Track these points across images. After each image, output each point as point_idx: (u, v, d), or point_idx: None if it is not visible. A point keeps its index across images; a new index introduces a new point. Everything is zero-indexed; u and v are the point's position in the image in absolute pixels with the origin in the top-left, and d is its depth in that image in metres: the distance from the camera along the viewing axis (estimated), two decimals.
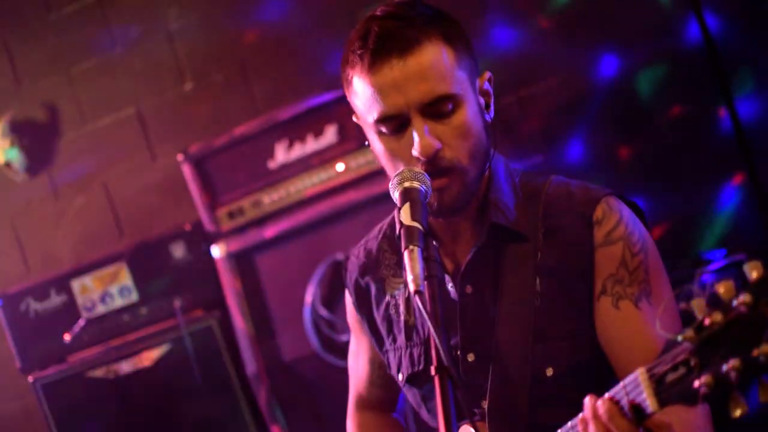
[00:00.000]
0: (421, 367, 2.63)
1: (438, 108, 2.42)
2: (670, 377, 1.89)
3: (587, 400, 2.12)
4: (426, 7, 2.50)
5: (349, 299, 2.86)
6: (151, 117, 5.77)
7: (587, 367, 2.52)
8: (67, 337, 5.22)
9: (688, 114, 4.90)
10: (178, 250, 5.14)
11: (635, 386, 1.98)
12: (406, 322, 2.66)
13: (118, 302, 5.20)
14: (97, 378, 5.16)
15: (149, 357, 5.13)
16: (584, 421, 2.12)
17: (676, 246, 4.86)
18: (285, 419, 4.95)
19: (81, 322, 5.22)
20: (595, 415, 2.08)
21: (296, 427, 4.97)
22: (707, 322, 1.77)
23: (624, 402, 2.03)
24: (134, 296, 5.19)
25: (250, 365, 4.98)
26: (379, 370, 2.90)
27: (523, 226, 2.55)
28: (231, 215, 5.03)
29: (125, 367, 5.14)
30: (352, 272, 2.83)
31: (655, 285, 2.49)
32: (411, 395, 2.74)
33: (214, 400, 4.99)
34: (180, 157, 5.08)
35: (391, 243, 2.75)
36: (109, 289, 5.20)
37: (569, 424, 2.23)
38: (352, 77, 2.48)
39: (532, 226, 2.55)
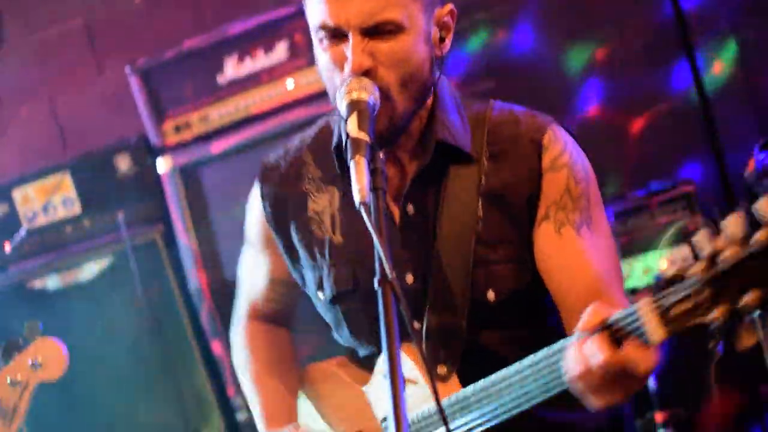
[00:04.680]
0: (349, 286, 2.59)
1: (378, 29, 2.37)
2: (678, 309, 1.90)
3: (577, 329, 2.11)
4: None
5: (256, 210, 2.77)
6: (99, 29, 5.67)
7: (528, 292, 2.52)
8: (7, 246, 5.16)
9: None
10: (123, 163, 5.08)
11: (635, 318, 1.99)
12: (331, 239, 2.62)
13: (61, 213, 5.14)
14: (38, 289, 5.11)
15: (91, 270, 5.08)
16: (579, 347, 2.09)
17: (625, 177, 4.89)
18: (227, 334, 4.91)
19: (22, 232, 5.15)
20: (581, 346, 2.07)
21: None
22: (724, 255, 1.80)
23: (622, 333, 2.02)
24: (77, 208, 5.14)
25: (193, 281, 4.96)
26: (280, 287, 2.85)
27: (467, 148, 2.53)
28: (177, 129, 4.97)
29: (66, 279, 5.09)
30: (269, 183, 2.73)
31: (594, 214, 2.50)
32: (331, 314, 2.69)
33: (156, 316, 4.95)
34: (128, 69, 4.99)
35: (316, 156, 2.69)
36: (51, 200, 5.13)
37: (552, 348, 2.19)
38: None
39: (476, 149, 2.53)
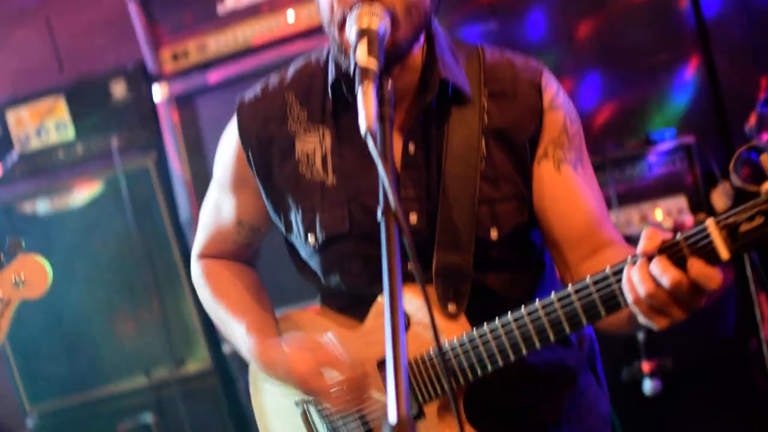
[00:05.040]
0: (344, 229, 2.54)
1: None
2: (745, 227, 1.97)
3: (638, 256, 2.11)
4: None
5: (231, 148, 2.68)
6: None
7: (525, 231, 2.53)
8: None
9: None
10: (119, 89, 5.03)
11: (702, 236, 2.02)
12: (323, 182, 2.56)
13: (54, 137, 5.09)
14: (27, 213, 5.07)
15: (82, 195, 5.04)
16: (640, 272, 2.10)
17: (626, 126, 4.85)
18: None
19: (14, 155, 5.10)
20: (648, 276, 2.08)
21: None
22: None
23: (691, 251, 2.05)
24: (70, 132, 5.09)
25: (185, 211, 4.92)
26: (247, 231, 2.77)
27: (467, 88, 2.51)
28: (175, 57, 4.91)
29: (57, 203, 5.05)
30: (250, 123, 2.63)
31: (584, 152, 2.55)
32: (321, 260, 2.62)
33: (146, 244, 4.93)
34: None
35: (300, 97, 2.61)
36: (45, 123, 5.08)
37: (591, 279, 2.21)
38: None
39: (475, 90, 2.52)
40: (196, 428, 4.89)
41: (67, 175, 5.09)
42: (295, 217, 2.61)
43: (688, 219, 4.40)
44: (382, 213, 1.92)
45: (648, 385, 4.27)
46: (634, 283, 2.10)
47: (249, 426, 4.92)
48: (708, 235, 2.01)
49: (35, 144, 5.10)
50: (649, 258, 2.08)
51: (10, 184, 5.15)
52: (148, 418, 4.90)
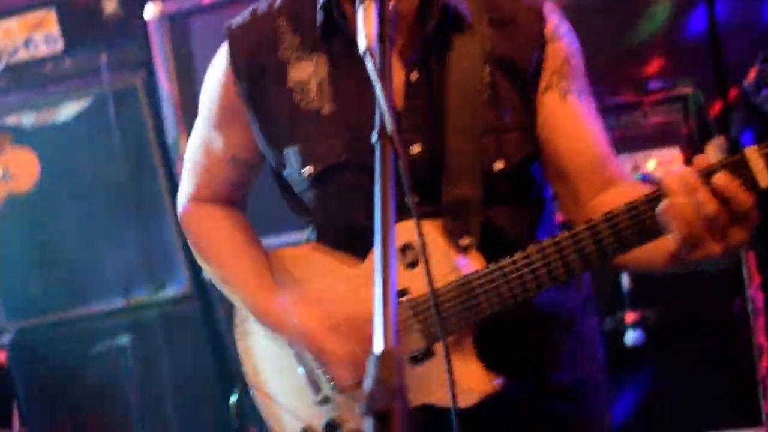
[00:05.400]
0: (341, 159, 2.46)
1: None
2: None
3: (680, 176, 2.07)
4: None
5: (219, 79, 2.59)
6: None
7: (530, 164, 2.49)
8: None
9: None
10: (110, 5, 4.91)
11: (742, 165, 2.03)
12: (319, 110, 2.48)
13: (42, 50, 4.98)
14: (12, 126, 4.98)
15: (68, 111, 4.96)
16: (680, 200, 2.07)
17: (622, 73, 4.79)
18: None
19: (1, 66, 5.00)
20: (698, 187, 2.05)
21: None
22: None
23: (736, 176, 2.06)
24: (59, 46, 4.97)
25: (171, 132, 4.84)
26: (240, 168, 2.67)
27: (469, 14, 2.45)
28: None
29: (42, 118, 4.96)
30: (240, 52, 2.54)
31: (586, 82, 2.51)
32: (318, 192, 2.54)
33: (130, 164, 4.86)
34: None
35: (291, 22, 2.52)
36: (33, 35, 4.97)
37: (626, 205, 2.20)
38: None
39: (476, 16, 2.45)
40: (172, 352, 4.85)
41: (54, 90, 4.98)
42: (289, 151, 2.53)
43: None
44: (378, 136, 1.83)
45: (630, 336, 4.25)
46: (674, 212, 2.06)
47: (226, 352, 4.91)
48: (747, 163, 2.03)
49: (23, 55, 5.00)
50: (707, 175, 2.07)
51: None
52: (125, 340, 4.85)
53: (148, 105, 4.88)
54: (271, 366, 2.74)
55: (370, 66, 1.95)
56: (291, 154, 2.52)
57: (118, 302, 4.98)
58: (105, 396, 4.94)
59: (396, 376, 1.56)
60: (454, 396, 2.12)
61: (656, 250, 2.20)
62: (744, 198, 2.02)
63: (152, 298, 4.91)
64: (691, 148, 4.41)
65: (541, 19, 2.45)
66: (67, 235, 4.95)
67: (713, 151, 4.39)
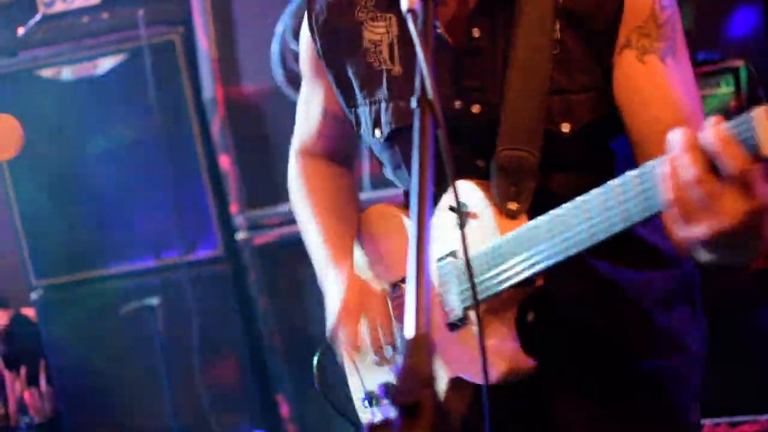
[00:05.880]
0: (409, 121, 2.32)
1: None
2: None
3: (679, 133, 1.82)
4: None
5: (308, 41, 2.57)
6: None
7: (603, 127, 2.31)
8: (20, 30, 4.94)
9: None
10: None
11: (747, 127, 1.72)
12: (389, 71, 2.41)
13: (79, 1, 4.90)
14: (46, 78, 4.91)
15: (104, 65, 4.88)
16: (674, 158, 1.82)
17: None
18: (237, 150, 4.78)
19: (37, 17, 4.93)
20: (694, 145, 1.77)
21: (246, 158, 4.82)
22: None
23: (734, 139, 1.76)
24: None
25: (208, 90, 4.76)
26: (334, 122, 2.67)
27: None
28: None
29: (77, 71, 4.89)
30: (318, 13, 2.52)
31: (679, 43, 2.27)
32: (389, 155, 2.50)
33: (166, 121, 4.77)
34: None
35: None
36: None
37: (636, 171, 1.94)
38: None
39: None
40: (201, 314, 4.78)
41: (91, 43, 4.90)
42: (363, 111, 2.50)
43: None
44: (417, 102, 1.77)
45: None
46: (663, 183, 1.84)
47: (255, 316, 4.88)
48: (752, 126, 1.72)
49: (60, 7, 4.92)
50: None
51: (31, 47, 4.96)
52: (154, 300, 4.79)
53: (186, 61, 4.80)
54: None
55: (411, 28, 1.87)
56: (362, 114, 2.51)
57: (149, 262, 4.93)
58: (133, 357, 4.89)
59: (427, 364, 1.47)
60: (485, 365, 1.98)
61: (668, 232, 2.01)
62: (735, 160, 1.73)
63: (183, 259, 4.84)
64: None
65: None
66: (98, 192, 4.89)
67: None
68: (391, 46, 2.43)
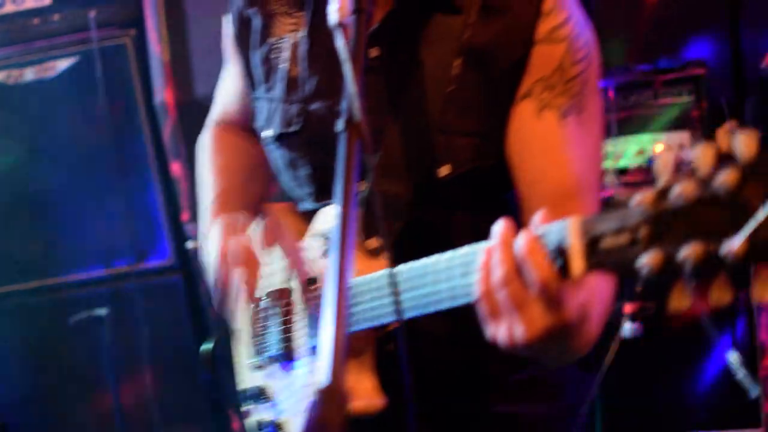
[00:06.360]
0: (297, 128, 2.29)
1: None
2: (608, 242, 1.52)
3: (498, 226, 1.72)
4: None
5: (230, 23, 2.52)
6: None
7: (486, 177, 2.18)
8: None
9: None
10: None
11: (560, 238, 1.61)
12: (288, 71, 2.32)
13: (30, 2, 4.78)
14: None
15: (54, 67, 4.77)
16: (489, 251, 1.71)
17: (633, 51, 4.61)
18: (189, 156, 4.68)
19: None
20: (507, 244, 1.68)
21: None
22: (677, 190, 1.40)
23: (548, 249, 1.64)
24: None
25: (160, 94, 4.65)
26: (249, 103, 2.56)
27: None
28: None
29: (28, 74, 4.78)
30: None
31: (587, 103, 2.14)
32: (276, 156, 2.40)
33: (116, 126, 4.67)
34: None
35: None
36: None
37: (465, 249, 1.81)
38: None
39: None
40: (152, 325, 4.70)
41: (41, 45, 4.78)
42: (261, 105, 2.42)
43: (689, 155, 4.17)
44: (344, 125, 1.68)
45: (627, 328, 4.08)
46: (491, 267, 1.71)
47: (207, 326, 4.78)
48: (565, 237, 1.59)
49: (9, 8, 4.80)
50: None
51: None
52: (102, 311, 4.69)
53: (137, 65, 4.71)
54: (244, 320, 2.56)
55: (340, 43, 1.79)
56: (261, 110, 2.43)
57: (99, 271, 4.82)
58: (82, 367, 4.79)
59: (339, 417, 1.38)
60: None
61: None
62: (538, 270, 1.62)
63: (133, 269, 4.74)
64: (702, 133, 4.23)
65: (536, 15, 2.13)
66: (48, 198, 4.78)
67: (724, 137, 4.19)
68: (294, 46, 2.34)
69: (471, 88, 2.15)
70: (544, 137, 2.11)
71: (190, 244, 4.70)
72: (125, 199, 4.68)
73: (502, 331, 1.71)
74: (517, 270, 1.66)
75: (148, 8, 4.64)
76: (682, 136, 4.19)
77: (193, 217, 4.66)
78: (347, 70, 1.73)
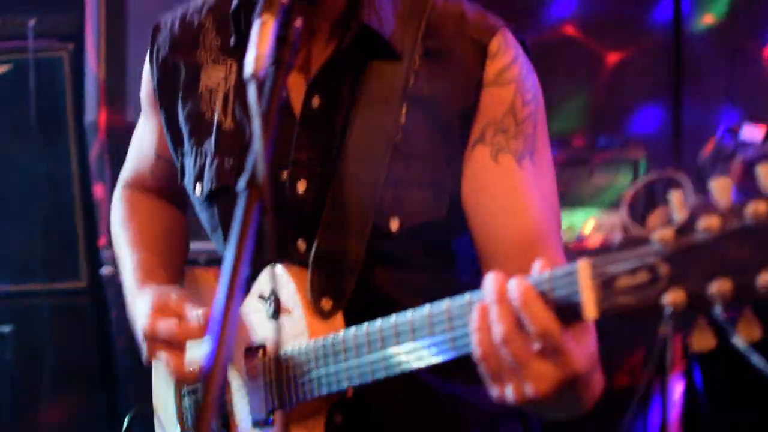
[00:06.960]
0: (230, 183, 2.16)
1: None
2: (624, 282, 1.47)
3: (491, 280, 1.65)
4: None
5: (148, 73, 2.38)
6: None
7: (440, 229, 2.11)
8: None
9: None
10: None
11: (569, 282, 1.55)
12: (220, 124, 2.21)
13: None
14: None
15: None
16: (485, 308, 1.64)
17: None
18: (113, 180, 4.56)
19: None
20: (503, 298, 1.61)
21: None
22: (702, 224, 1.38)
23: (550, 296, 1.58)
24: None
25: (91, 112, 4.53)
26: (165, 164, 2.44)
27: (398, 41, 2.10)
28: None
29: None
30: (161, 46, 2.33)
31: (539, 144, 2.08)
32: (208, 215, 2.28)
33: (43, 141, 4.58)
34: None
35: (218, 21, 2.25)
36: None
37: (456, 302, 1.75)
38: None
39: (409, 45, 2.10)
40: (55, 346, 4.58)
41: None
42: (188, 161, 2.28)
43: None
44: (246, 185, 1.59)
45: None
46: (489, 325, 1.64)
47: (111, 353, 4.66)
48: (575, 282, 1.54)
49: None
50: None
51: None
52: (6, 328, 4.56)
53: (72, 80, 4.62)
54: (162, 392, 2.47)
55: (252, 95, 1.66)
56: (188, 166, 2.29)
57: (6, 287, 4.70)
58: None
59: None
60: None
61: None
62: (537, 320, 1.57)
63: (43, 287, 4.62)
64: (636, 214, 4.20)
65: (482, 58, 2.06)
66: None
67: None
68: (226, 97, 2.23)
69: (419, 136, 2.07)
70: (503, 182, 2.04)
71: (104, 270, 4.58)
72: (44, 215, 4.57)
73: (509, 390, 1.64)
74: (517, 325, 1.60)
75: (90, 24, 4.54)
76: (614, 218, 4.17)
77: (109, 243, 4.55)
78: (256, 127, 1.62)
